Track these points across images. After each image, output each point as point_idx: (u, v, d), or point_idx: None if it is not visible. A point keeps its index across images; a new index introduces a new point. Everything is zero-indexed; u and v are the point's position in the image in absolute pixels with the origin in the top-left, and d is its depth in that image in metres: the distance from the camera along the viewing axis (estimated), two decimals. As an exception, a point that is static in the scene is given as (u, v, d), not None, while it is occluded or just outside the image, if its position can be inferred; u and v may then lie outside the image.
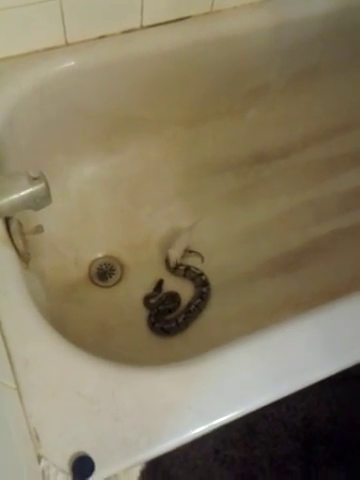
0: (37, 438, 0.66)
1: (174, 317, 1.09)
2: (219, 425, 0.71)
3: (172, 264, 1.14)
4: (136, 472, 1.05)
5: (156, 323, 1.07)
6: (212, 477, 1.09)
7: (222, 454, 1.12)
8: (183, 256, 1.15)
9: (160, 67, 1.08)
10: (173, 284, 1.15)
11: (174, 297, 1.12)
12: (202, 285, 1.12)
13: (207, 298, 1.11)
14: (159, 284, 1.13)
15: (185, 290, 1.14)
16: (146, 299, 1.11)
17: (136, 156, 1.23)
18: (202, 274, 1.13)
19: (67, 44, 1.00)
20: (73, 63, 1.01)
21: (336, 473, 1.16)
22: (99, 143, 1.19)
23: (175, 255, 1.13)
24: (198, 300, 1.10)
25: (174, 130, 1.24)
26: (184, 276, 1.15)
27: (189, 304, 1.10)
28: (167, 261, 1.15)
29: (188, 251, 1.16)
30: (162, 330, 1.06)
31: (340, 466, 1.17)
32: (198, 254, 1.17)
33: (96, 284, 1.14)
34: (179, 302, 1.12)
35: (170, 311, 1.10)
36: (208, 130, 1.28)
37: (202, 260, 1.17)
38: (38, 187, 0.70)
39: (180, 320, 1.07)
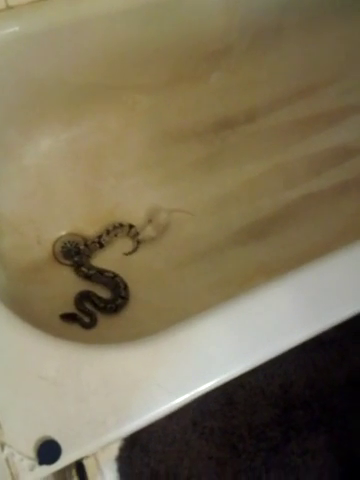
0: (-1, 426, 0.63)
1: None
2: (190, 399, 0.69)
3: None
4: (114, 449, 1.03)
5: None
6: (191, 449, 1.08)
7: (201, 426, 1.11)
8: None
9: (113, 30, 1.02)
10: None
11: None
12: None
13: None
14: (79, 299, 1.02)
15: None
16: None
17: (95, 127, 1.17)
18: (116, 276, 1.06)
19: (8, 7, 0.92)
20: (17, 28, 0.93)
21: (315, 436, 1.16)
22: (55, 115, 1.12)
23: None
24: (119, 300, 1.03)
25: (134, 97, 1.18)
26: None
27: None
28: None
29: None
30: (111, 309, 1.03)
31: (319, 429, 1.17)
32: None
33: (61, 263, 1.09)
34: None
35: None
36: (170, 96, 1.22)
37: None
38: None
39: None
